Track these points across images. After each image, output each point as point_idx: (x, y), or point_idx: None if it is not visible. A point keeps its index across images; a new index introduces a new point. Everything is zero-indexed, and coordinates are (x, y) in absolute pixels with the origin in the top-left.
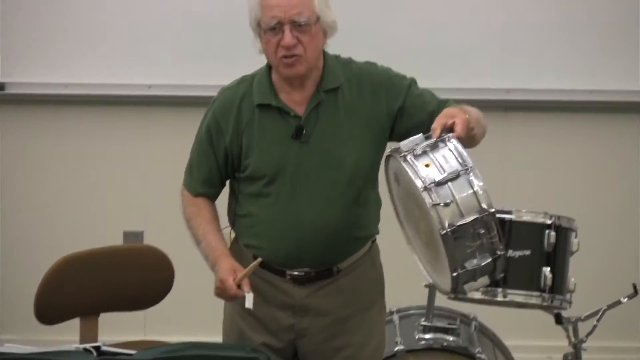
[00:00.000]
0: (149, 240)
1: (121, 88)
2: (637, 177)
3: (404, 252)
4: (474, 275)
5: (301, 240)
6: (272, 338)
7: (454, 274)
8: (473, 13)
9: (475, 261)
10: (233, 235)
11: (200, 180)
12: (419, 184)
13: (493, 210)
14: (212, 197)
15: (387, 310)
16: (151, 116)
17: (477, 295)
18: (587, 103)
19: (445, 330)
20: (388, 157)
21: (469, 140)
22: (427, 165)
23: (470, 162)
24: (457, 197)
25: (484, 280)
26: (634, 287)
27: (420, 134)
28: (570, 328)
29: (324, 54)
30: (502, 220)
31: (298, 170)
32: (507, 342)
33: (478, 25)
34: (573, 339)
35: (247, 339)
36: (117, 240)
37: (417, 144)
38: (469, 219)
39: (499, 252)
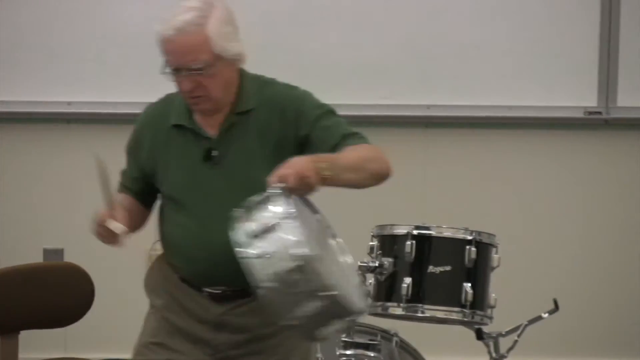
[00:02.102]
0: (69, 257)
1: (40, 105)
2: (556, 192)
3: None
4: (316, 322)
5: (213, 261)
6: (192, 349)
7: (286, 324)
8: (394, 30)
9: (303, 309)
10: (158, 248)
11: (126, 182)
12: (239, 237)
13: (309, 255)
14: (138, 195)
15: None
16: (71, 133)
17: (398, 311)
18: (507, 119)
19: (366, 346)
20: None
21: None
22: (249, 220)
23: (290, 212)
24: (271, 248)
25: (338, 324)
26: (555, 302)
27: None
28: (492, 343)
29: (242, 75)
30: (422, 237)
31: (209, 192)
32: (429, 358)
33: (399, 43)
34: (494, 355)
35: (161, 345)
36: (37, 258)
37: (253, 201)
38: (285, 268)
39: (325, 294)
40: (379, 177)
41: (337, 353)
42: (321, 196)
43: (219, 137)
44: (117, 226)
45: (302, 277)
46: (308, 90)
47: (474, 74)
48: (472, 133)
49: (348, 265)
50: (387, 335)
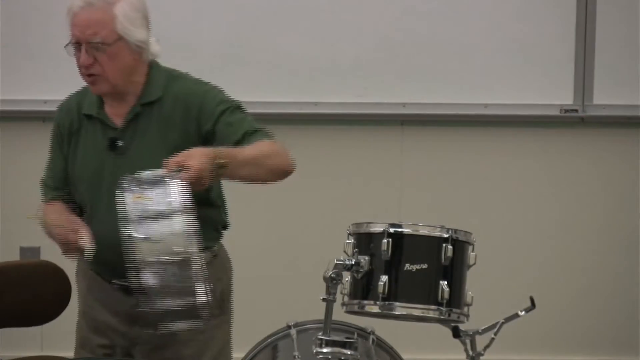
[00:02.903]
0: (46, 255)
1: (16, 103)
2: (533, 190)
3: (302, 266)
4: (166, 315)
5: (118, 251)
6: (109, 342)
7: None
8: (369, 28)
9: (166, 302)
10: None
11: (53, 186)
12: (125, 211)
13: (193, 256)
14: (68, 200)
15: (285, 324)
16: (47, 131)
17: (375, 309)
18: (483, 117)
19: (343, 344)
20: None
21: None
22: (138, 197)
23: (184, 205)
24: (155, 234)
25: (183, 324)
26: (532, 300)
27: (163, 169)
28: (468, 341)
29: (152, 67)
30: (398, 235)
31: (113, 182)
32: (405, 356)
33: (374, 41)
34: (471, 353)
35: (88, 341)
36: (13, 256)
37: (143, 177)
38: (163, 259)
39: (190, 300)
40: (279, 172)
41: (314, 351)
42: (299, 194)
43: (124, 127)
44: (87, 247)
45: (179, 272)
46: (218, 86)
47: (450, 72)
48: (448, 131)
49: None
50: (363, 333)
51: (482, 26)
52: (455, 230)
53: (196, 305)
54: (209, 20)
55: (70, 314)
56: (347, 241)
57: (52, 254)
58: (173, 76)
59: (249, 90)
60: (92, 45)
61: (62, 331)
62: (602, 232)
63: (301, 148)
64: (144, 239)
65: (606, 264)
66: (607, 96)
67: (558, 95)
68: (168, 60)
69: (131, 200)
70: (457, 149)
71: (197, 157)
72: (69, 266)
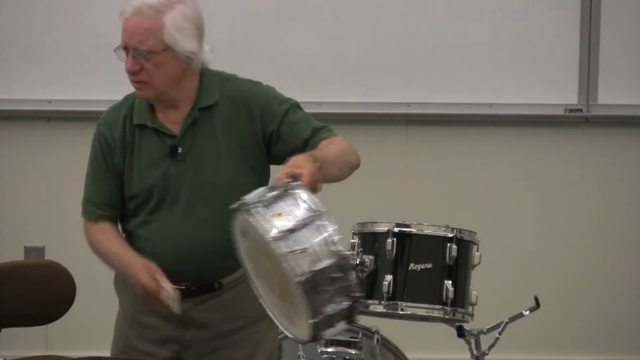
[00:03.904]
0: (50, 255)
1: (21, 103)
2: (537, 189)
3: None
4: (332, 321)
5: (177, 257)
6: (158, 348)
7: (314, 321)
8: (374, 28)
9: (332, 306)
10: None
11: (100, 204)
12: (271, 233)
13: (348, 254)
14: (114, 219)
15: None
16: (51, 131)
17: (379, 308)
18: (487, 116)
19: (348, 344)
20: (234, 211)
21: (325, 181)
22: (277, 215)
23: (321, 208)
24: (310, 243)
25: (342, 325)
26: (536, 299)
27: (264, 187)
28: (473, 341)
29: (203, 72)
30: (403, 234)
31: (175, 189)
32: (410, 356)
33: (379, 40)
34: (475, 352)
35: (133, 347)
36: (18, 256)
37: (263, 196)
38: (325, 264)
39: (356, 295)
40: (355, 168)
41: (319, 350)
42: None
43: (183, 133)
44: (169, 295)
45: (337, 274)
46: (271, 85)
47: (455, 72)
48: (453, 131)
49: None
50: (368, 332)
51: (487, 26)
52: (460, 230)
53: (356, 302)
54: (213, 19)
55: (75, 314)
56: (352, 240)
57: (57, 253)
58: (225, 78)
59: None
60: (139, 52)
61: (67, 331)
62: (607, 230)
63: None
64: (302, 251)
65: (611, 263)
66: (611, 96)
67: (562, 95)
68: None
69: (268, 219)
70: (462, 148)
71: (304, 164)
72: (74, 266)
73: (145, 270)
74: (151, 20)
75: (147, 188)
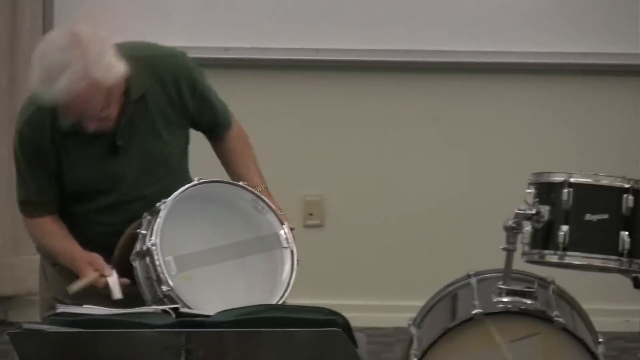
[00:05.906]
0: None
1: None
2: None
3: (482, 216)
4: None
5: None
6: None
7: None
8: None
9: None
10: None
11: (41, 199)
12: None
13: None
14: (54, 212)
15: (465, 273)
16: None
17: (555, 258)
18: None
19: (523, 294)
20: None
21: None
22: None
23: None
24: None
25: None
26: None
27: None
28: None
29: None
30: (579, 185)
31: (125, 180)
32: (585, 306)
33: None
34: None
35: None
36: None
37: None
38: None
39: None
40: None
41: (494, 300)
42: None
43: (120, 127)
44: (116, 288)
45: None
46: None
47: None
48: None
49: None
50: (543, 282)
51: None
52: (637, 181)
53: None
54: None
55: None
56: (528, 191)
57: None
58: (145, 58)
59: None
60: (96, 114)
61: None
62: None
63: (489, 99)
64: None
65: None
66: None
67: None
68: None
69: None
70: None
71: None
72: None
73: (90, 267)
74: (87, 89)
75: (93, 183)
